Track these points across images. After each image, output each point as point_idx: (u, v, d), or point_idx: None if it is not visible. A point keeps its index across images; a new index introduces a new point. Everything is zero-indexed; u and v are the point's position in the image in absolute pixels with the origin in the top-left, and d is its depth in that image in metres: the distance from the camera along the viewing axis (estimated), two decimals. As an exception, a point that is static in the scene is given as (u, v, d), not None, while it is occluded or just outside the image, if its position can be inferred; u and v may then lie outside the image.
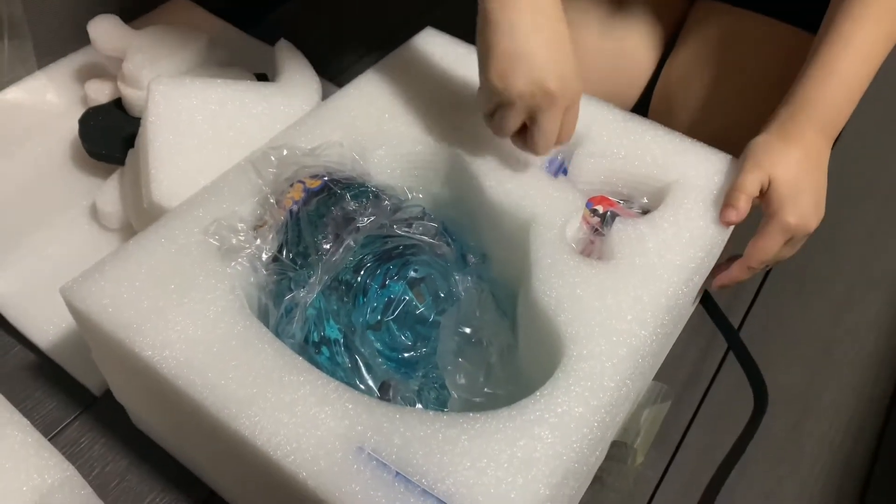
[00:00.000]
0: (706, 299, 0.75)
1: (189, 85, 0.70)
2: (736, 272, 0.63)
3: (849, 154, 1.02)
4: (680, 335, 0.73)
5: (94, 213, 0.78)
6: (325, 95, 0.81)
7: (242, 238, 0.56)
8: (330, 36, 1.11)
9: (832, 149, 0.65)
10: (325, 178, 0.60)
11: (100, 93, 0.85)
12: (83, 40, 0.85)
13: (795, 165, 0.61)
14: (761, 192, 0.61)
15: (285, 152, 0.61)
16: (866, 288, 0.88)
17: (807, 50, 0.69)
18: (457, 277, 0.61)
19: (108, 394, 0.66)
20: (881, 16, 0.61)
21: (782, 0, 0.77)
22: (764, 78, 0.76)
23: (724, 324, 0.76)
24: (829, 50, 0.62)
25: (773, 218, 0.60)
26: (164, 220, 0.57)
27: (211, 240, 0.56)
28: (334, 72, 0.99)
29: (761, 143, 0.62)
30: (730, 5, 0.79)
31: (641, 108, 0.87)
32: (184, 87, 0.70)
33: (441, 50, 0.74)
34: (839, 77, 0.62)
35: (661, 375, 0.67)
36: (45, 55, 0.93)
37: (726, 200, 0.62)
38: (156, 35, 0.81)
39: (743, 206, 0.61)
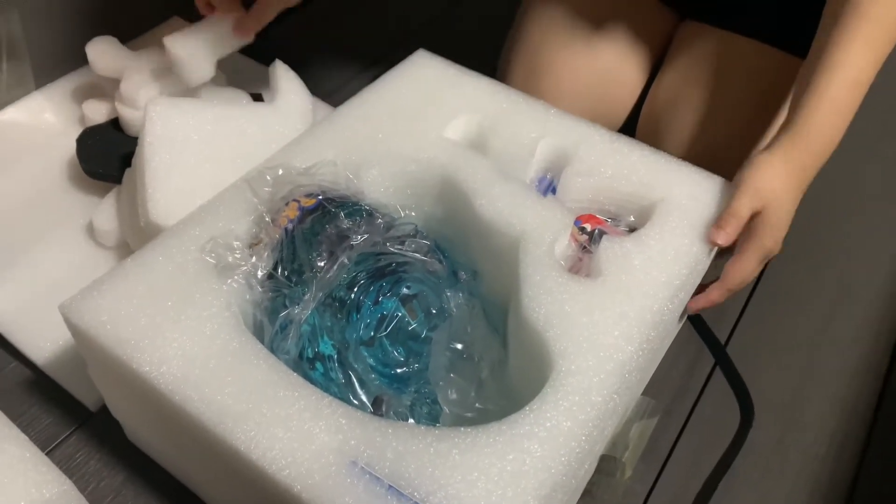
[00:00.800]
0: (693, 315, 0.76)
1: (185, 105, 0.72)
2: (715, 295, 0.64)
3: (832, 166, 1.04)
4: (668, 350, 0.74)
5: (91, 231, 0.79)
6: (319, 114, 0.83)
7: (238, 256, 0.57)
8: (324, 55, 1.13)
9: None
10: (320, 197, 0.62)
11: (97, 112, 0.86)
12: (81, 60, 0.87)
13: (789, 195, 0.63)
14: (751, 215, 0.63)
15: (281, 172, 0.62)
16: (849, 301, 0.89)
17: (791, 72, 0.71)
18: (448, 294, 0.62)
19: (104, 409, 0.67)
20: (870, 42, 0.63)
21: (767, 22, 0.79)
22: (748, 100, 0.78)
23: (711, 339, 0.77)
24: (824, 77, 0.63)
25: (753, 241, 0.62)
26: (161, 238, 0.59)
27: (207, 258, 0.57)
28: (328, 91, 1.01)
29: (763, 166, 0.63)
30: (715, 27, 0.82)
31: (629, 128, 0.89)
32: (180, 107, 0.71)
33: (433, 71, 0.76)
34: (834, 105, 0.63)
35: (649, 389, 0.68)
36: (43, 75, 0.95)
37: (718, 223, 0.63)
38: (152, 56, 0.82)
39: (732, 231, 0.62)
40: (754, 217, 0.62)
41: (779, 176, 0.63)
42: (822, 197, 0.99)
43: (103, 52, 0.84)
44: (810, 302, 0.89)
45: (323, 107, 0.91)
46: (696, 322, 0.74)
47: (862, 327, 0.87)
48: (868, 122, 1.10)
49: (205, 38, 0.77)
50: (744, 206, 0.62)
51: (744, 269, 0.63)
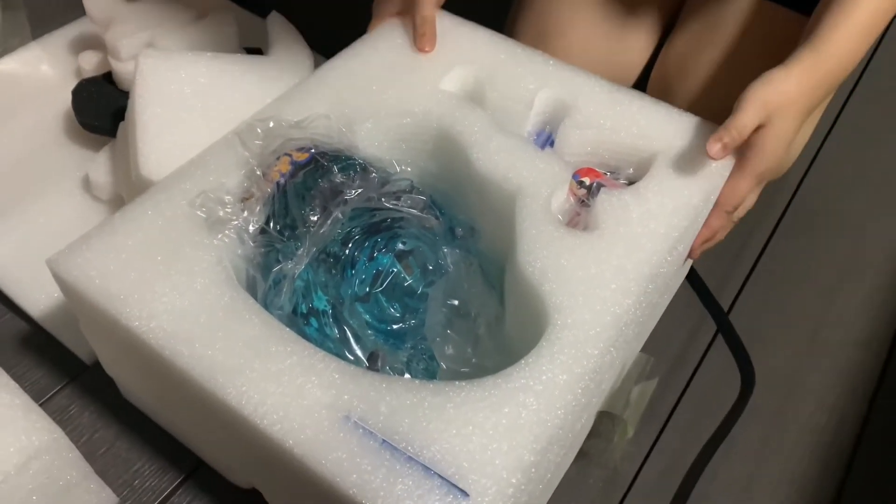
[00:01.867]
0: (696, 281, 0.75)
1: (178, 58, 0.70)
2: (713, 221, 0.62)
3: (841, 141, 1.02)
4: (670, 315, 0.73)
5: (88, 184, 0.79)
6: (317, 62, 0.81)
7: (229, 210, 0.56)
8: (323, 8, 1.10)
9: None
10: (313, 151, 0.60)
11: (92, 64, 0.85)
12: (78, 11, 0.85)
13: (796, 112, 0.60)
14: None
15: (272, 124, 0.61)
16: (855, 273, 0.88)
17: (800, 32, 0.68)
18: (445, 250, 0.61)
19: (98, 363, 0.67)
20: None
21: None
22: (760, 62, 0.75)
23: (714, 306, 0.77)
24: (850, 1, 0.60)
25: (752, 158, 0.60)
26: (151, 192, 0.58)
27: (198, 212, 0.56)
28: (327, 45, 0.98)
29: (775, 80, 0.60)
30: None
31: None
32: (172, 60, 0.70)
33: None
34: (857, 27, 0.60)
35: (650, 351, 0.68)
36: (40, 26, 0.93)
37: (716, 134, 0.59)
38: (145, 7, 0.80)
39: (730, 143, 0.59)
40: (756, 132, 0.60)
41: (789, 91, 0.60)
42: (831, 169, 0.98)
43: (97, 2, 0.83)
44: (815, 272, 0.87)
45: (321, 61, 0.89)
46: (698, 288, 0.73)
47: (867, 298, 0.85)
48: (883, 97, 1.09)
49: None
50: (748, 118, 0.59)
51: (739, 187, 0.60)
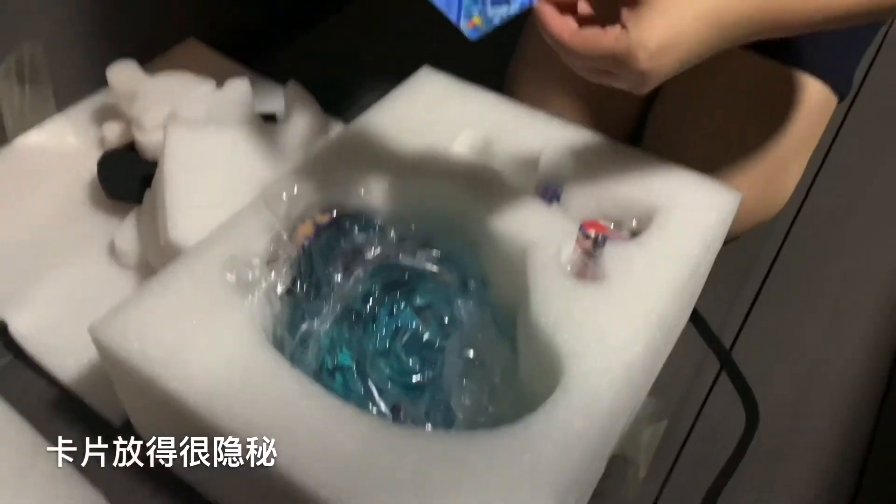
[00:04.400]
0: (698, 320, 0.78)
1: (203, 129, 0.75)
2: (562, 31, 0.51)
3: (833, 173, 1.06)
4: (675, 353, 0.76)
5: (113, 252, 0.82)
6: (332, 131, 0.86)
7: (258, 273, 0.59)
8: (334, 72, 1.15)
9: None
10: (334, 214, 0.64)
11: (115, 134, 0.89)
12: (101, 82, 0.90)
13: (697, 14, 0.50)
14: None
15: (296, 190, 0.65)
16: (855, 305, 0.90)
17: (792, 84, 0.71)
18: (459, 303, 0.64)
19: (128, 424, 0.69)
20: None
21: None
22: (748, 114, 0.79)
23: (716, 344, 0.79)
24: None
25: (625, 25, 0.49)
26: (183, 258, 0.61)
27: (228, 276, 0.59)
28: (342, 107, 1.03)
29: None
30: None
31: (635, 137, 0.91)
32: (198, 131, 0.74)
33: (438, 87, 0.79)
34: None
35: (656, 393, 0.70)
36: (65, 97, 0.98)
37: None
38: (166, 81, 0.85)
39: None
40: (632, 2, 0.50)
41: None
42: (830, 198, 1.01)
43: (122, 76, 0.87)
44: (815, 306, 0.90)
45: (336, 123, 0.93)
46: (700, 327, 0.76)
47: (866, 332, 0.88)
48: (883, 122, 1.13)
49: None
50: None
51: (593, 41, 0.50)
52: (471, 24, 0.51)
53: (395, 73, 0.82)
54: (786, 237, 0.97)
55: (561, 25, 0.51)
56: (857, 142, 1.10)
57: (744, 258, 0.72)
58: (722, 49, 0.52)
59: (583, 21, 0.52)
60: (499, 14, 0.51)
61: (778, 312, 0.89)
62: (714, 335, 0.78)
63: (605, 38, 0.49)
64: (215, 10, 1.14)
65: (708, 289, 0.71)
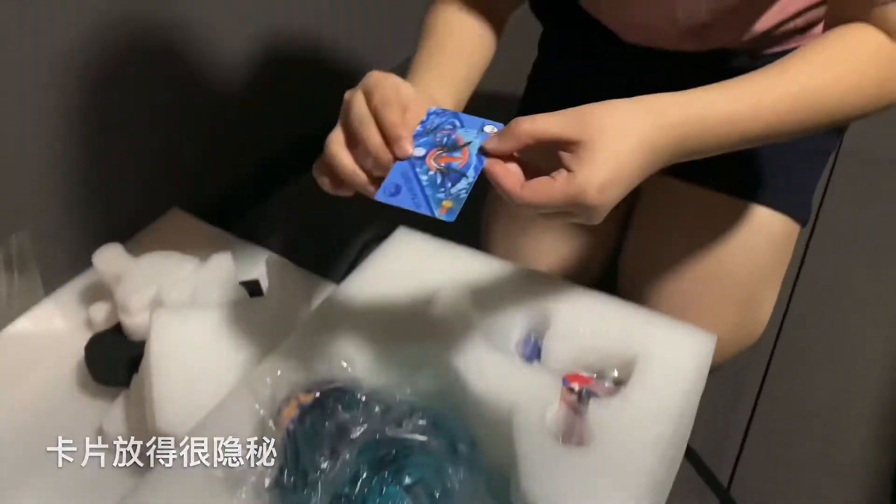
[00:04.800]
0: (694, 459, 0.78)
1: (187, 313, 0.76)
2: (506, 181, 0.52)
3: (812, 284, 1.09)
4: (675, 490, 0.75)
5: (102, 436, 0.82)
6: (314, 290, 0.87)
7: (244, 465, 0.59)
8: (312, 229, 1.19)
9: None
10: (317, 394, 0.65)
11: (102, 315, 0.91)
12: (89, 261, 0.92)
13: (637, 144, 0.52)
14: (561, 147, 0.51)
15: (279, 372, 0.65)
16: (846, 429, 0.90)
17: (747, 217, 0.74)
18: (450, 471, 0.64)
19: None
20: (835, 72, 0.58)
21: (735, 177, 0.83)
22: (719, 253, 0.81)
23: (713, 482, 0.79)
24: (760, 77, 0.58)
25: (568, 170, 0.50)
26: (170, 456, 0.61)
27: (214, 470, 0.59)
28: (324, 261, 1.06)
29: (606, 104, 0.53)
30: (682, 181, 0.86)
31: (609, 276, 0.93)
32: (182, 315, 0.76)
33: (416, 248, 0.81)
34: (746, 107, 0.56)
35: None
36: (52, 279, 1.00)
37: (504, 130, 0.53)
38: (150, 261, 0.87)
39: (508, 138, 0.52)
40: (573, 147, 0.51)
41: (623, 117, 0.52)
42: (805, 321, 1.03)
43: (107, 261, 0.90)
44: (808, 426, 0.90)
45: (319, 280, 0.96)
46: (698, 466, 0.76)
47: (861, 452, 0.88)
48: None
49: None
50: (548, 123, 0.51)
51: (543, 190, 0.51)
52: (444, 210, 0.53)
53: (371, 226, 0.84)
54: (770, 360, 0.98)
55: (513, 181, 0.52)
56: (826, 258, 1.14)
57: (732, 385, 0.73)
58: (653, 172, 0.55)
59: (525, 166, 0.54)
60: (462, 189, 0.54)
61: (772, 443, 0.88)
62: (711, 473, 0.78)
63: (554, 185, 0.51)
64: (196, 179, 1.19)
65: (699, 421, 0.71)
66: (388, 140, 0.54)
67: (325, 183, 0.58)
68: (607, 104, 0.53)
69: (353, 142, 0.56)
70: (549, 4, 0.95)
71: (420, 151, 0.55)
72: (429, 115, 0.58)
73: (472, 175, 0.54)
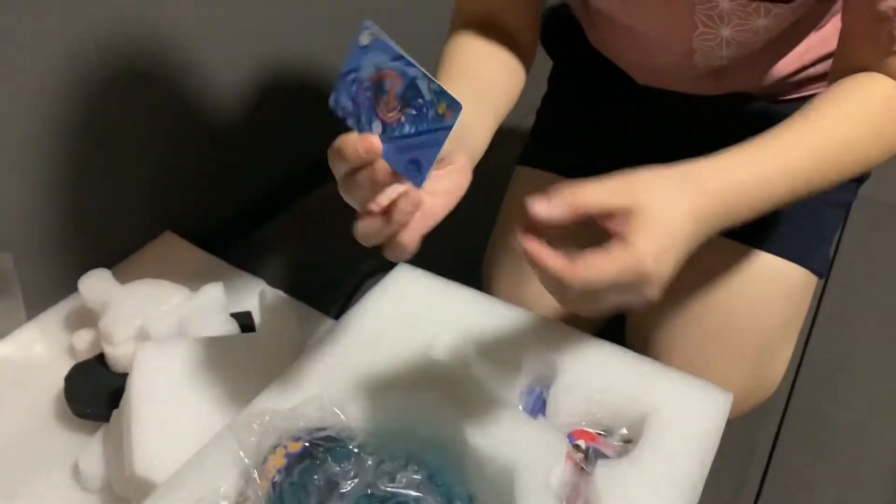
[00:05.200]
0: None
1: (172, 348, 0.72)
2: (555, 263, 0.47)
3: (825, 340, 1.05)
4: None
5: (77, 473, 0.77)
6: (308, 324, 0.83)
7: (226, 521, 0.55)
8: (308, 260, 1.15)
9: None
10: (306, 444, 0.61)
11: (86, 344, 0.87)
12: (74, 286, 0.88)
13: (686, 215, 0.49)
14: (608, 216, 0.48)
15: (267, 418, 0.61)
16: (859, 489, 0.87)
17: (769, 271, 0.71)
18: (446, 529, 0.60)
19: None
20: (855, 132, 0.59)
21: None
22: (726, 298, 0.78)
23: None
24: (785, 133, 0.57)
25: (624, 240, 0.47)
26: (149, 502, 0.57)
27: (194, 525, 0.55)
28: (319, 291, 1.02)
29: (662, 169, 0.51)
30: None
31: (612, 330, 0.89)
32: (166, 351, 0.72)
33: (415, 287, 0.77)
34: (779, 171, 0.55)
35: None
36: (36, 303, 0.96)
37: (549, 194, 0.48)
38: (138, 290, 0.83)
39: (558, 205, 0.47)
40: (623, 216, 0.48)
41: (668, 184, 0.50)
42: (818, 378, 1.00)
43: (93, 287, 0.86)
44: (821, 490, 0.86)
45: (315, 315, 0.92)
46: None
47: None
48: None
49: None
50: (599, 193, 0.48)
51: (601, 264, 0.46)
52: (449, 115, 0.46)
53: (370, 257, 0.80)
54: (783, 416, 0.94)
55: (562, 261, 0.47)
56: (841, 306, 1.10)
57: (743, 443, 0.69)
58: (702, 242, 0.53)
59: (554, 243, 0.51)
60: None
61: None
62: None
63: (610, 256, 0.46)
64: (191, 203, 1.15)
65: (710, 479, 0.67)
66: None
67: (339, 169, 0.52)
68: (650, 171, 0.50)
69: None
70: (560, 39, 0.93)
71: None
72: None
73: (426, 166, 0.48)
